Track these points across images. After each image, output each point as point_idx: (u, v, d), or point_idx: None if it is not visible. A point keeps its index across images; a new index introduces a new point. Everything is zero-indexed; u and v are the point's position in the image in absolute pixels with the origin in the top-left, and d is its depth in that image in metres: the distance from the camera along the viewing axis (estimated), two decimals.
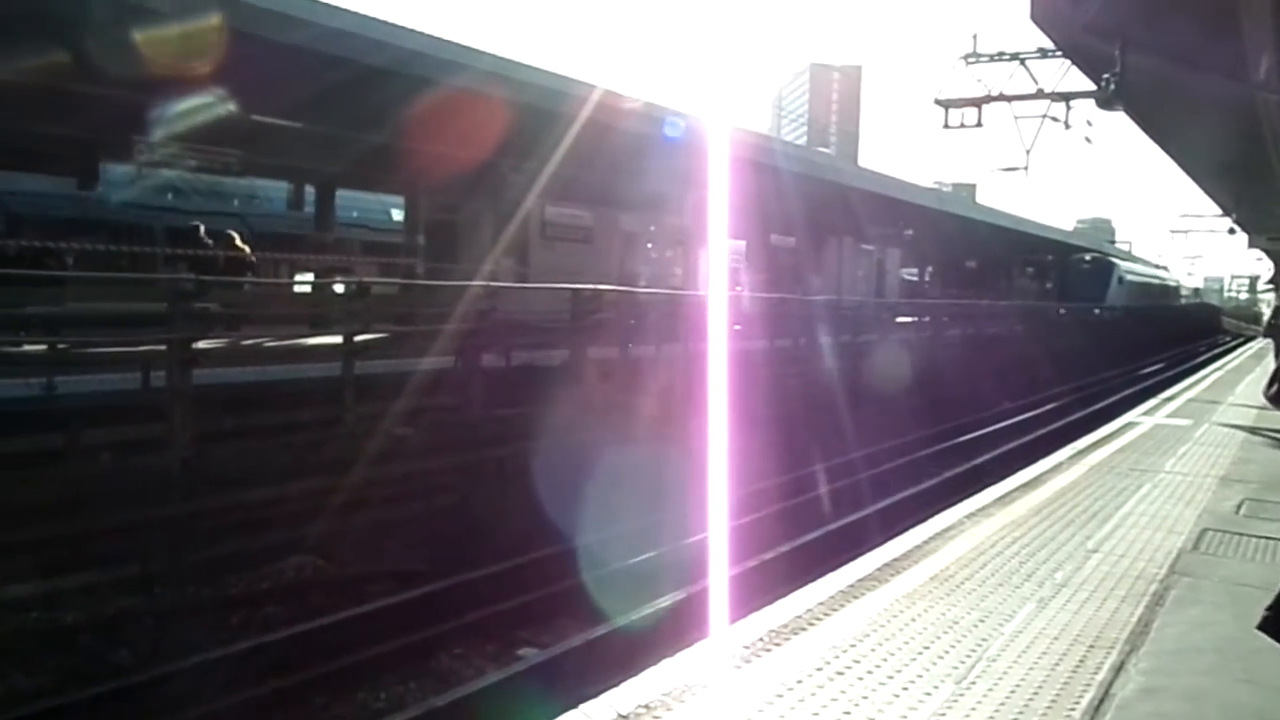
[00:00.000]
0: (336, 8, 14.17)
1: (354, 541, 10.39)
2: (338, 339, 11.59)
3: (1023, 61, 24.49)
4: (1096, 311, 44.89)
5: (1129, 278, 54.44)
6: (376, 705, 7.69)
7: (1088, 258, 51.66)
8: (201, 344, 10.25)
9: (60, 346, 10.48)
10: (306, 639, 8.20)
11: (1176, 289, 77.58)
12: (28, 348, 10.55)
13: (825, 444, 15.71)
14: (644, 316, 16.26)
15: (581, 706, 3.98)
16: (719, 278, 20.04)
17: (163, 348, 9.78)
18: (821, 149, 74.18)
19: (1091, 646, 4.76)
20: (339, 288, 15.75)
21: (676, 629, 7.20)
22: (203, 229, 16.50)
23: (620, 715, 3.90)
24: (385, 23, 14.90)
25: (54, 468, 8.94)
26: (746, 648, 4.66)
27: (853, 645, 4.71)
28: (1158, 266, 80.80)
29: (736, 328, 18.71)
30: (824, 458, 15.17)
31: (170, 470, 9.26)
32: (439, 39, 15.96)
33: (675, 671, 4.32)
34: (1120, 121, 17.80)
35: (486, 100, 15.51)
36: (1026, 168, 28.77)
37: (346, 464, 10.30)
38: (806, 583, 5.77)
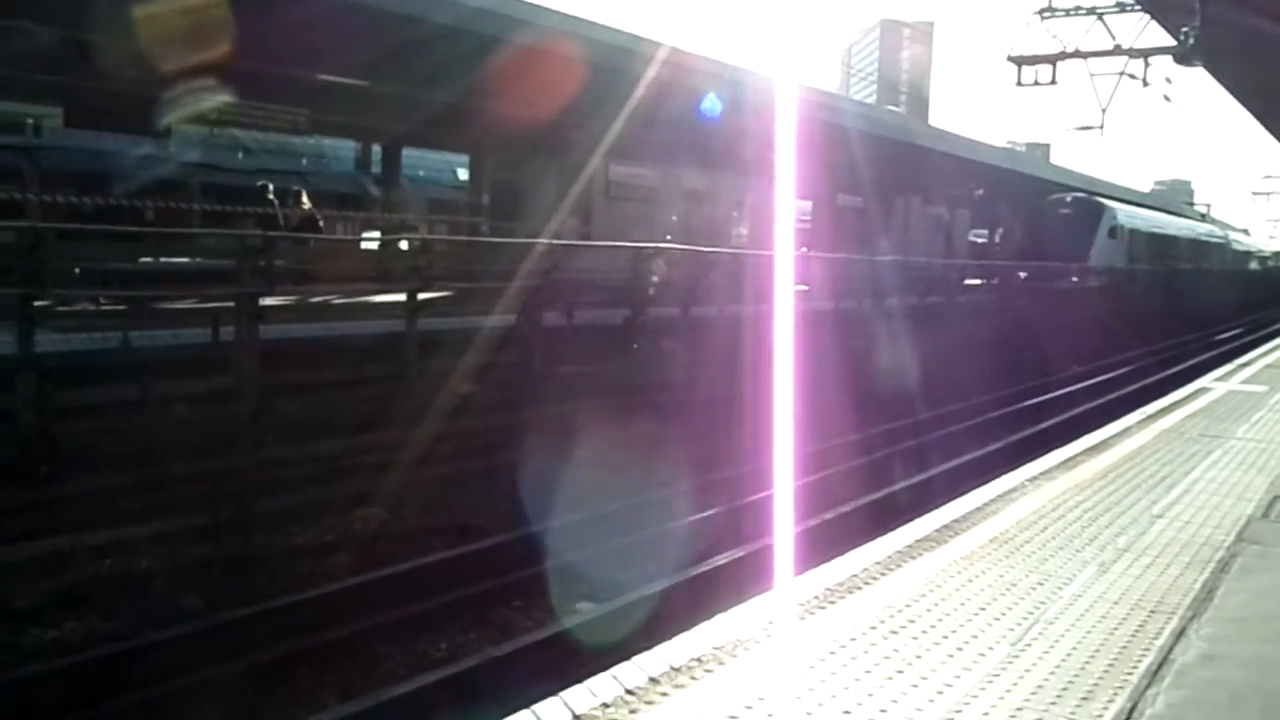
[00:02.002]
0: None
1: (419, 495, 10.56)
2: (401, 296, 11.73)
3: (1100, 16, 23.77)
4: (1074, 279, 33.14)
5: (1131, 226, 39.64)
6: (437, 655, 7.84)
7: (1068, 199, 37.45)
8: (269, 300, 10.45)
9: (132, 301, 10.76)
10: (370, 588, 8.38)
11: (1224, 246, 58.81)
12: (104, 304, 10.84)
13: (887, 407, 15.58)
14: (707, 276, 16.19)
15: (634, 658, 4.01)
16: (785, 237, 19.83)
17: (231, 303, 9.98)
18: (891, 107, 72.80)
19: (1152, 612, 4.68)
20: (403, 244, 15.91)
21: (736, 584, 7.23)
22: (271, 188, 16.75)
23: (673, 667, 3.93)
24: None
25: (129, 418, 9.18)
26: (802, 604, 4.66)
27: (908, 605, 4.68)
28: (1202, 219, 65.68)
29: (803, 288, 18.55)
30: (886, 419, 15.07)
31: (239, 421, 9.47)
32: None
33: (729, 626, 4.34)
34: (1201, 79, 17.28)
35: (551, 58, 15.47)
36: (1102, 127, 27.99)
37: (412, 419, 10.45)
38: (864, 543, 5.75)
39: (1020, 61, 24.22)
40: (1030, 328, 24.05)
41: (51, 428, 8.47)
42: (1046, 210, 36.76)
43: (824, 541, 7.75)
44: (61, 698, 6.42)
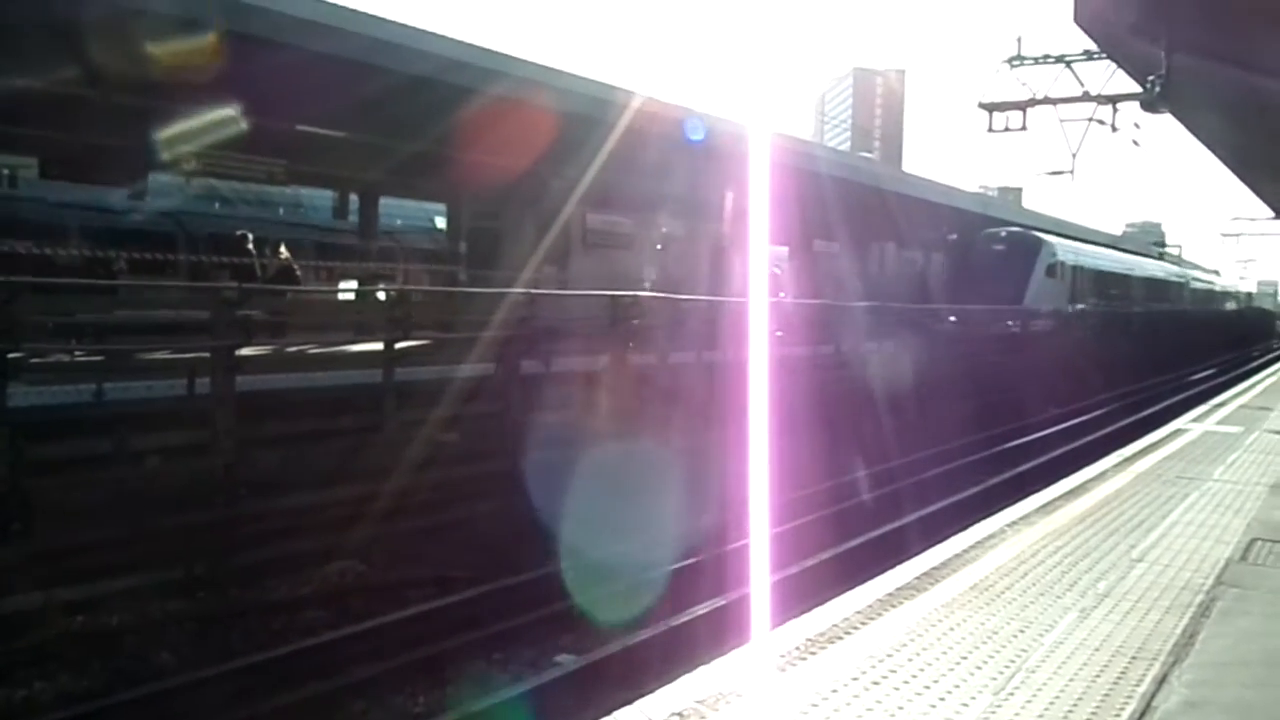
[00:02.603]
0: (380, 18, 14.36)
1: (395, 547, 10.47)
2: (379, 345, 11.70)
3: (1068, 64, 24.18)
4: (1010, 324, 29.09)
5: (1074, 264, 35.59)
6: (415, 709, 7.73)
7: (1003, 233, 33.60)
8: (245, 350, 10.39)
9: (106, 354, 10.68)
10: (348, 643, 8.27)
11: (1184, 285, 55.33)
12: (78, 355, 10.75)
13: (866, 450, 15.59)
14: (684, 323, 16.24)
15: (615, 713, 3.97)
16: (760, 283, 19.94)
17: (207, 354, 9.92)
18: (865, 154, 73.63)
19: (1134, 658, 4.67)
20: (380, 295, 15.91)
21: (713, 636, 7.18)
22: (250, 238, 16.73)
23: None
24: (428, 32, 15.07)
25: (102, 471, 9.08)
26: (783, 655, 4.62)
27: (890, 654, 4.66)
28: (1160, 256, 61.93)
29: (779, 334, 18.62)
30: (865, 464, 15.08)
31: (214, 475, 9.37)
32: (481, 47, 16.11)
33: (710, 678, 4.30)
34: (1169, 124, 17.53)
35: (526, 108, 15.60)
36: (1073, 171, 28.39)
37: (388, 469, 10.39)
38: (844, 591, 5.73)
39: (991, 108, 24.57)
40: (995, 371, 24.07)
41: (23, 482, 8.35)
42: (978, 245, 33.33)
43: (800, 591, 7.73)
44: None
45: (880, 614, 5.27)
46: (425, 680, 8.13)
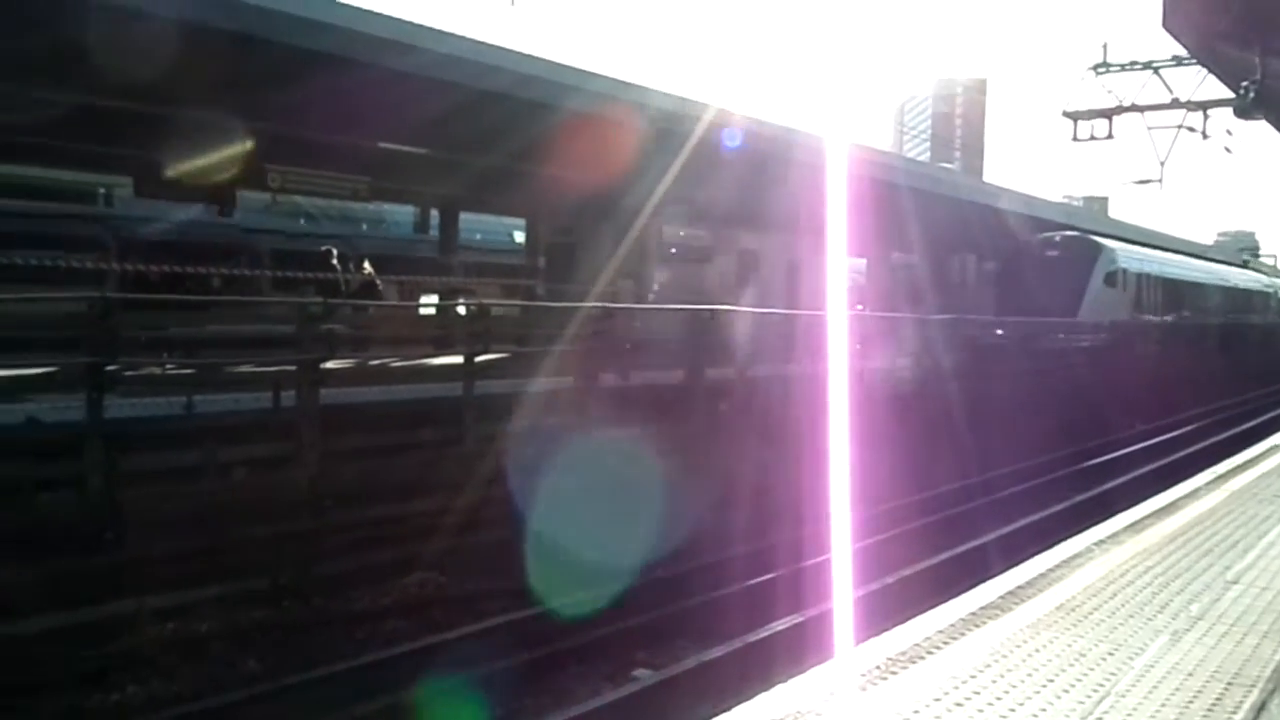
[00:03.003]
0: (456, 35, 14.60)
1: (472, 559, 10.57)
2: (458, 359, 11.85)
3: (1156, 70, 23.64)
4: (1060, 335, 26.89)
5: (1139, 271, 32.26)
6: None
7: (1057, 237, 30.59)
8: (329, 364, 10.61)
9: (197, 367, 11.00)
10: (429, 652, 8.37)
11: (1271, 296, 50.16)
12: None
13: (947, 465, 15.37)
14: (762, 336, 16.18)
15: None
16: (839, 297, 19.79)
17: (293, 368, 10.15)
18: (945, 164, 72.65)
19: (1230, 684, 4.51)
20: (460, 309, 16.11)
21: (794, 652, 7.12)
22: (335, 253, 17.08)
23: None
24: (508, 49, 15.29)
25: (191, 483, 9.33)
26: (863, 674, 4.55)
27: (973, 676, 4.56)
28: (1246, 265, 56.04)
29: (858, 347, 18.44)
30: (948, 479, 14.87)
31: (299, 486, 9.57)
32: (556, 63, 16.26)
33: (788, 697, 4.25)
34: (1264, 130, 17.02)
35: (603, 122, 15.70)
36: (1161, 180, 27.63)
37: (466, 482, 10.51)
38: (926, 609, 5.64)
39: (1076, 116, 24.12)
40: (1077, 384, 23.45)
41: (117, 493, 8.62)
42: (1030, 251, 30.28)
43: (881, 609, 7.63)
44: None
45: (963, 633, 5.16)
46: (505, 692, 8.18)
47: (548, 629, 9.03)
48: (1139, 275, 32.11)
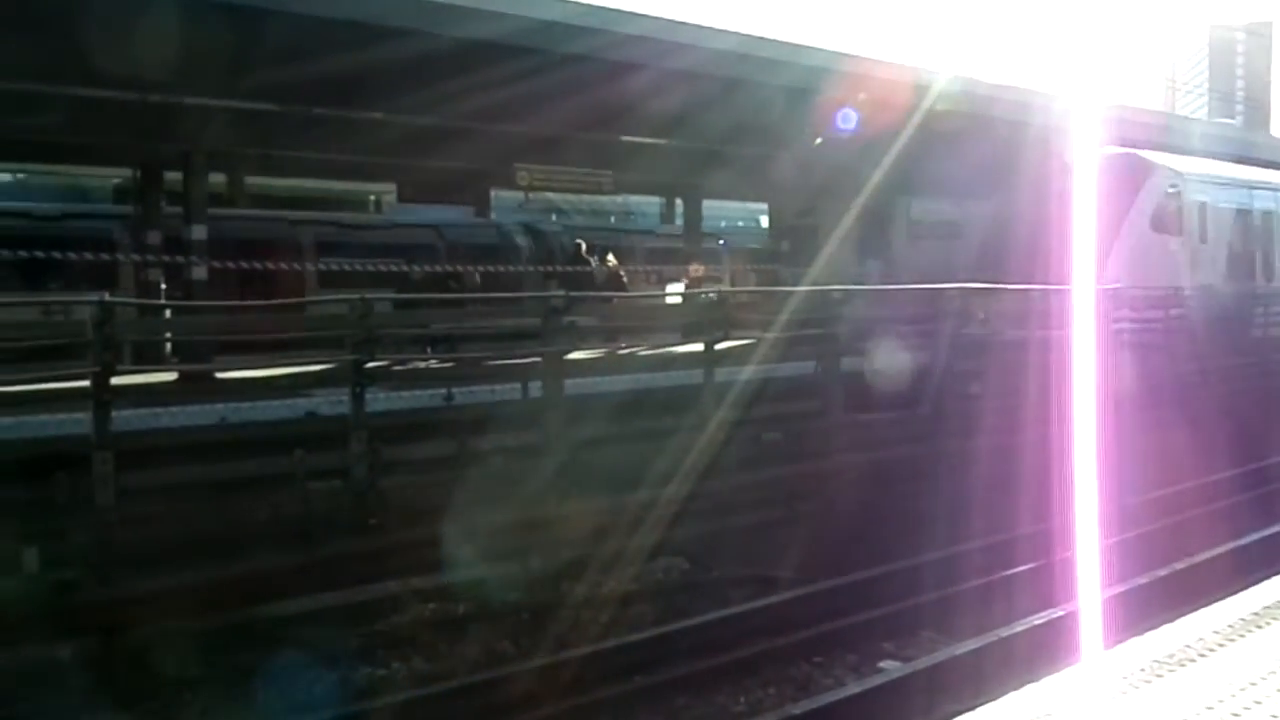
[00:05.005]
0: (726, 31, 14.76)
1: (718, 545, 10.61)
2: (699, 347, 11.93)
3: None
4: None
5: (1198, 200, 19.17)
6: (736, 709, 7.78)
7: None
8: (575, 355, 10.93)
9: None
10: (670, 639, 8.47)
11: None
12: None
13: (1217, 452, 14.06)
14: (1014, 314, 15.34)
15: None
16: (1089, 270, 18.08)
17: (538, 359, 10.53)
18: (1224, 119, 66.41)
19: None
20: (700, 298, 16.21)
21: (1042, 651, 6.72)
22: (584, 246, 17.63)
23: None
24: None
25: (449, 471, 9.82)
26: (1124, 677, 4.20)
27: (1254, 683, 4.10)
28: None
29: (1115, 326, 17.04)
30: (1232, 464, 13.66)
31: (545, 474, 9.90)
32: (796, 44, 16.07)
33: (1037, 698, 3.98)
34: None
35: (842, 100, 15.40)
36: None
37: (710, 468, 10.54)
38: (1197, 607, 5.16)
39: None
40: None
41: (380, 481, 9.20)
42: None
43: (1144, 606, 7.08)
44: None
45: (1243, 634, 4.68)
46: (748, 680, 8.16)
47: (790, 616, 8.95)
48: (1217, 212, 20.05)
